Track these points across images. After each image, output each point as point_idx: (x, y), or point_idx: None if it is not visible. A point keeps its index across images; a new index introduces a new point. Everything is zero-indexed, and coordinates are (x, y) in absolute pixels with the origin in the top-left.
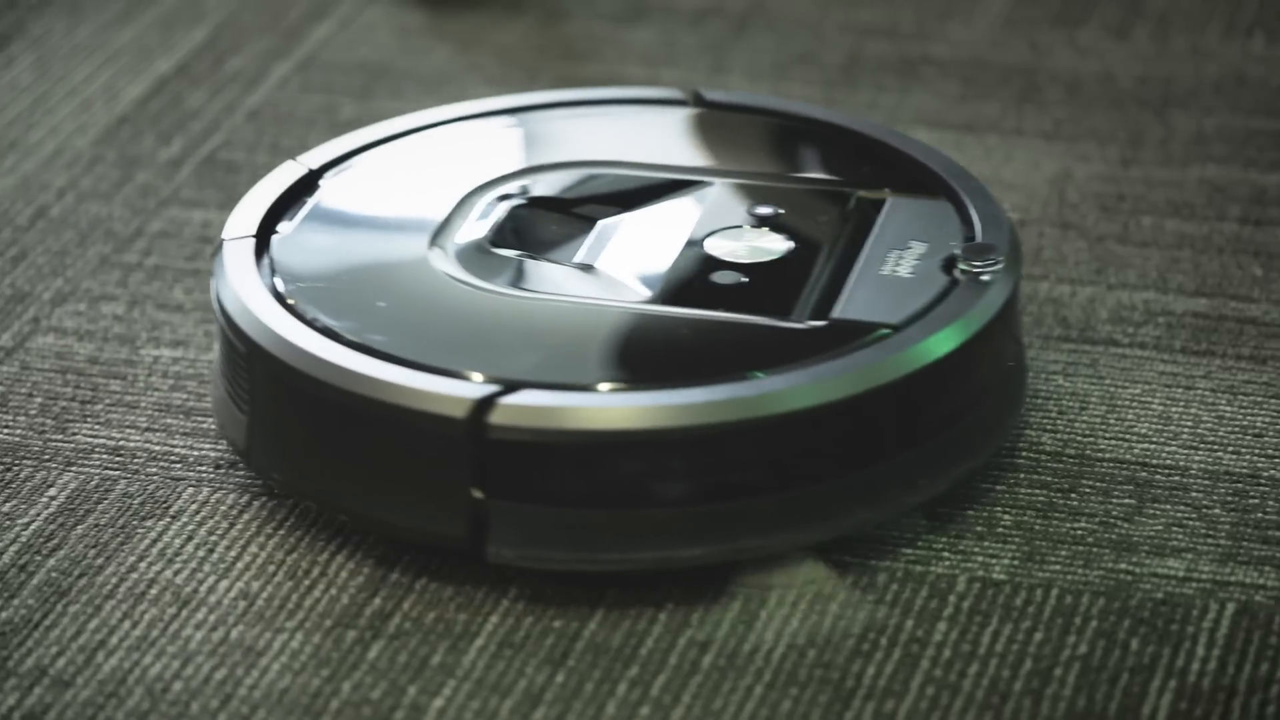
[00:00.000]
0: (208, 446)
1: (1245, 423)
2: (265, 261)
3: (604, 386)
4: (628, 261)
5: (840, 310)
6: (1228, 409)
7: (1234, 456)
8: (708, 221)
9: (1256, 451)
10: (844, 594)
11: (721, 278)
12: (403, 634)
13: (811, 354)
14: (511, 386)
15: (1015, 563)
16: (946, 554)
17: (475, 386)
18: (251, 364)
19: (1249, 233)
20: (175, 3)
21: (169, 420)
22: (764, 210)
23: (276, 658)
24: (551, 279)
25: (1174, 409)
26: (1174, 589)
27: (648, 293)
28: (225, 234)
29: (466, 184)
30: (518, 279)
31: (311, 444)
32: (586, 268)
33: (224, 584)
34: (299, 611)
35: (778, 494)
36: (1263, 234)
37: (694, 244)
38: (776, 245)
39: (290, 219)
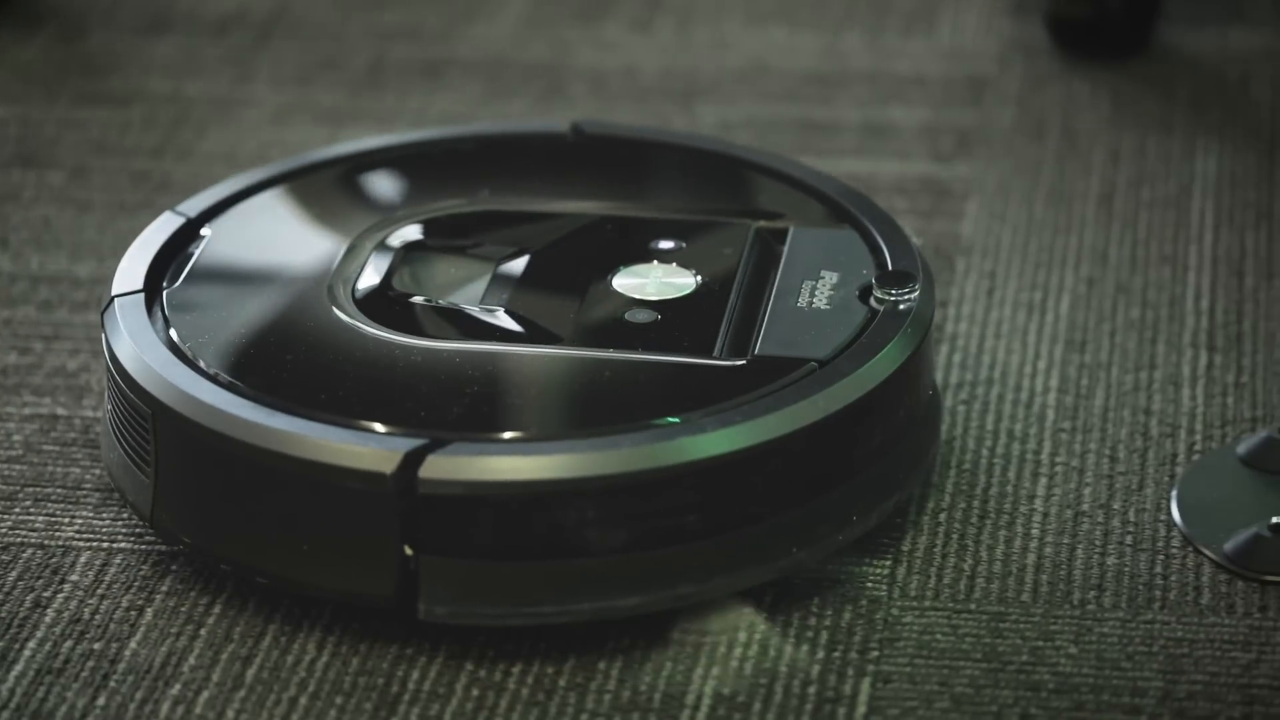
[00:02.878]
0: None
1: None
2: (158, 317)
3: (534, 436)
4: (536, 303)
5: (762, 346)
6: None
7: None
8: (610, 258)
9: None
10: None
11: (635, 316)
12: None
13: (741, 392)
14: (439, 440)
15: None
16: None
17: (400, 440)
18: (156, 425)
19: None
20: None
21: None
22: (666, 244)
23: None
24: (462, 324)
25: None
26: None
27: (564, 335)
28: (113, 290)
29: (353, 228)
30: (427, 326)
31: (227, 506)
32: (495, 311)
33: None
34: None
35: (715, 538)
36: None
37: (600, 282)
38: (685, 280)
39: (178, 271)
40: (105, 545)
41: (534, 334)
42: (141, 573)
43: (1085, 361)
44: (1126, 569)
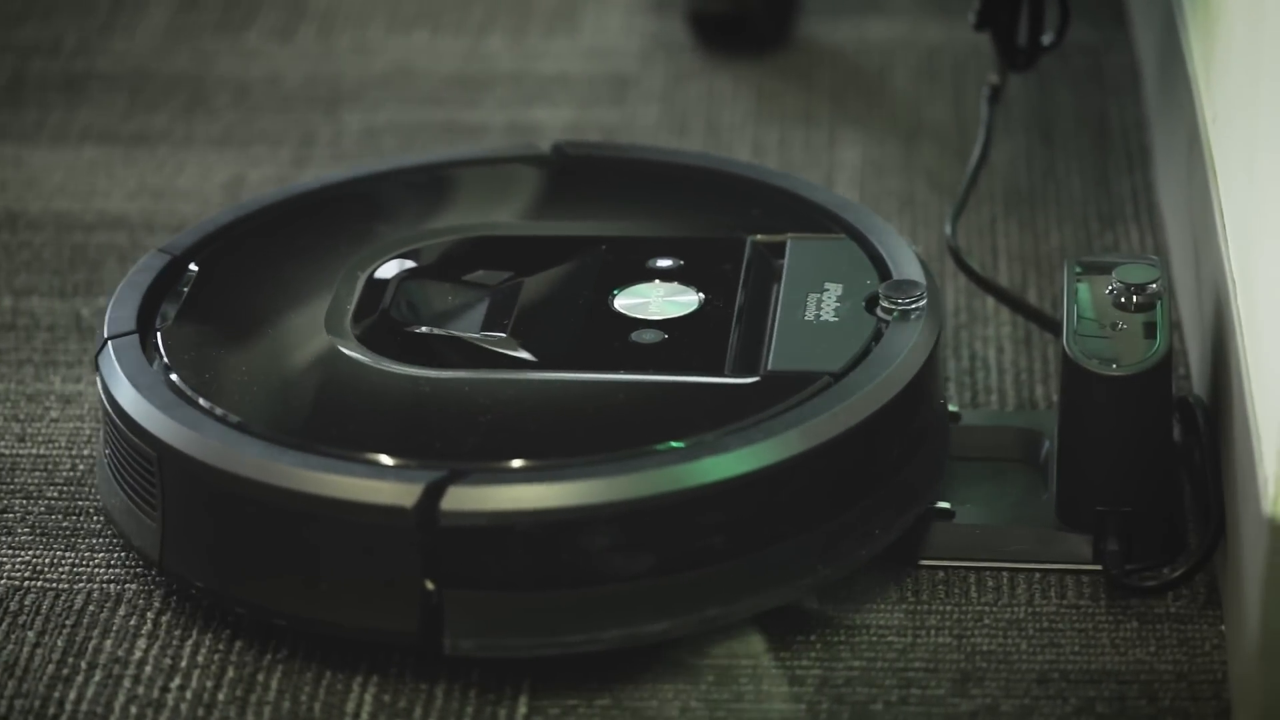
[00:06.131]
0: None
1: None
2: (155, 357)
3: (554, 463)
4: (539, 327)
5: (775, 361)
6: None
7: None
8: (607, 279)
9: None
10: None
11: (642, 337)
12: None
13: (758, 409)
14: (458, 471)
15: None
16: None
17: (418, 473)
18: (163, 468)
19: None
20: None
21: None
22: (664, 262)
23: None
24: (467, 353)
25: None
26: None
27: (572, 359)
28: (106, 332)
29: (343, 259)
30: (432, 356)
31: (241, 548)
32: (498, 338)
33: None
34: None
35: (741, 559)
36: None
37: (601, 304)
38: (687, 298)
39: (170, 310)
40: None
41: (541, 359)
42: None
43: None
44: None
